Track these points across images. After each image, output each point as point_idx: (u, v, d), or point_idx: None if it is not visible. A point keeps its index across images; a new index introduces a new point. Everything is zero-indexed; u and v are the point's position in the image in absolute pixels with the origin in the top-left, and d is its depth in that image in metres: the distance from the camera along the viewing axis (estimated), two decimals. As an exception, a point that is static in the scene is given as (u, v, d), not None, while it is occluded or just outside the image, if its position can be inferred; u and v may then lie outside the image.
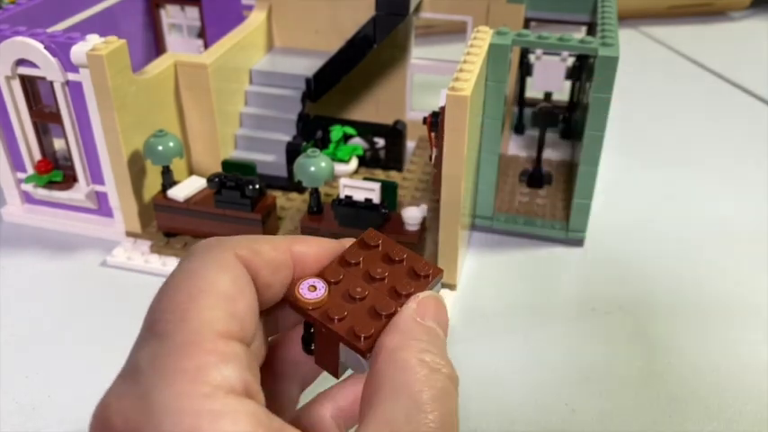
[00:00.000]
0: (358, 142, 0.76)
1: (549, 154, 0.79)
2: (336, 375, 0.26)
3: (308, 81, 0.71)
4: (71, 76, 0.59)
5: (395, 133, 0.75)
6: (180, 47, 0.84)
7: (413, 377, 0.22)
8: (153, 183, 0.65)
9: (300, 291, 0.25)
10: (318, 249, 0.26)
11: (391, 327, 0.24)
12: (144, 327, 0.22)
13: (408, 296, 0.25)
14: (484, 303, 0.60)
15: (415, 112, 0.81)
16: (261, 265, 0.24)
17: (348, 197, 0.59)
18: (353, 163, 0.75)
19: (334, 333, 0.24)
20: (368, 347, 0.24)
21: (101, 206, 0.67)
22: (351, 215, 0.59)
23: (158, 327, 0.21)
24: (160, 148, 0.61)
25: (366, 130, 0.75)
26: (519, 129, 0.83)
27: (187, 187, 0.63)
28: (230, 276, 0.23)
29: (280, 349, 0.27)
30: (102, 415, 0.20)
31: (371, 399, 0.22)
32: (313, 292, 0.25)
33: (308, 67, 0.74)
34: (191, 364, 0.20)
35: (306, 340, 0.26)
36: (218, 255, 0.23)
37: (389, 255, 0.26)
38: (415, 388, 0.22)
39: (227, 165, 0.64)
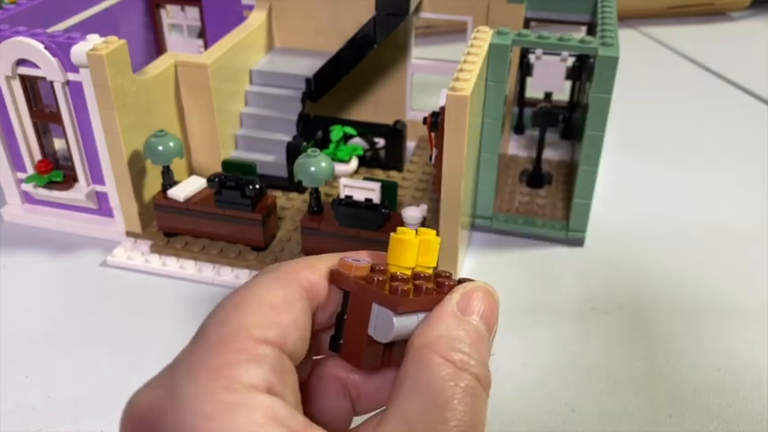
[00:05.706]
0: (358, 142, 0.76)
1: (549, 154, 0.79)
2: (359, 365, 0.25)
3: (308, 81, 0.71)
4: (71, 76, 0.59)
5: (395, 133, 0.75)
6: (180, 47, 0.84)
7: (435, 375, 0.21)
8: (153, 183, 0.65)
9: (344, 259, 0.25)
10: (370, 259, 0.26)
11: (426, 321, 0.23)
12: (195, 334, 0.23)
13: (451, 287, 0.24)
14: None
15: (415, 112, 0.81)
16: (319, 280, 0.25)
17: (348, 197, 0.59)
18: (353, 163, 0.75)
19: (368, 291, 0.24)
20: (401, 302, 0.23)
21: (101, 206, 0.67)
22: (351, 215, 0.59)
23: (200, 331, 0.23)
24: (160, 147, 0.61)
25: (366, 130, 0.75)
26: (519, 129, 0.84)
27: (187, 187, 0.63)
28: (282, 291, 0.23)
29: (327, 367, 0.27)
30: (133, 403, 0.22)
31: (393, 395, 0.22)
32: (357, 262, 0.25)
33: (309, 67, 0.74)
34: (217, 360, 0.21)
35: (335, 336, 0.25)
36: (277, 273, 0.24)
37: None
38: (437, 386, 0.21)
39: (227, 165, 0.64)
